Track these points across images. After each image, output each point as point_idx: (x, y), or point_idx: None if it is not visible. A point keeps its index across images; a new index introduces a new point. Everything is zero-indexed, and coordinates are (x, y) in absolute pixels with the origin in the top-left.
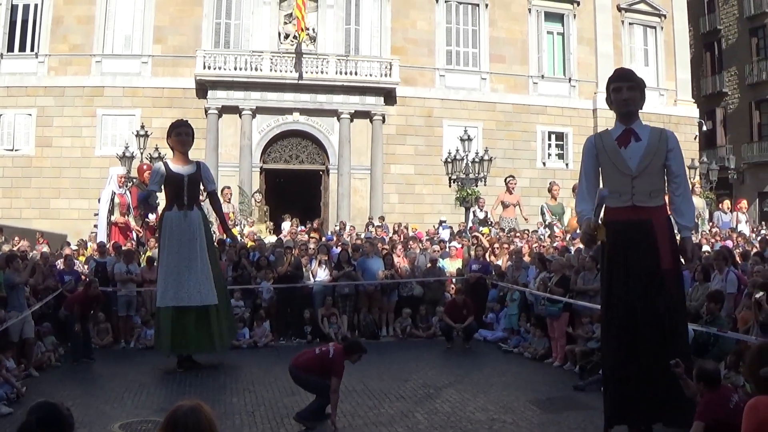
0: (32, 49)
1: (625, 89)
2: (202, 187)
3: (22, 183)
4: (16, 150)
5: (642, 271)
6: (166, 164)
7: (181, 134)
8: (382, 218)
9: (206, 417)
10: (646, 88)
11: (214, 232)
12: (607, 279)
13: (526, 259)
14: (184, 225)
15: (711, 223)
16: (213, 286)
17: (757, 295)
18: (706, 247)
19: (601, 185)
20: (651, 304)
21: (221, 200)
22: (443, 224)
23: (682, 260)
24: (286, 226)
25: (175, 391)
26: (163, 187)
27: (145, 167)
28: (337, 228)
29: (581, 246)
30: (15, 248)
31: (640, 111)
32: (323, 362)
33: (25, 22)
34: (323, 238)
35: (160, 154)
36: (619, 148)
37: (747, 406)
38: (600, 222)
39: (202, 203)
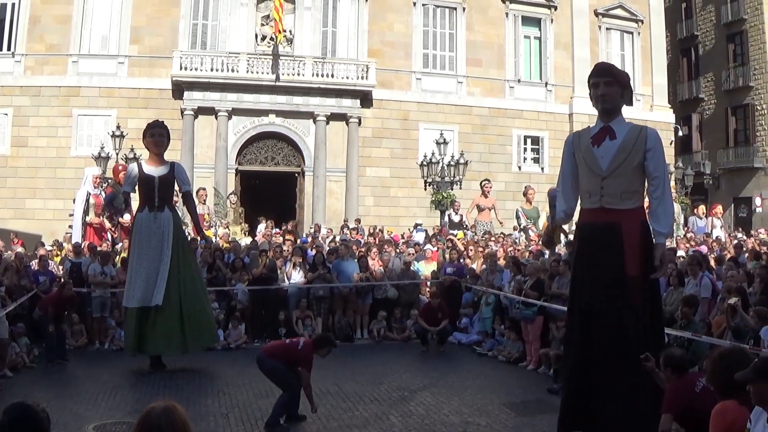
0: (9, 49)
1: (602, 84)
2: (177, 188)
3: None
4: None
5: (606, 278)
6: (139, 165)
7: (155, 135)
8: (358, 221)
9: (180, 418)
10: (629, 82)
11: (189, 234)
12: (572, 284)
13: (501, 262)
14: (153, 226)
15: (686, 228)
16: (169, 286)
17: (731, 301)
18: (680, 252)
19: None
20: (614, 313)
21: (196, 201)
22: (418, 227)
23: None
24: (261, 228)
25: (149, 392)
26: (133, 188)
27: (120, 168)
28: (312, 230)
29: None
30: None
31: (624, 108)
32: (290, 352)
33: (1, 21)
34: (298, 240)
35: (135, 154)
36: (593, 146)
37: (714, 411)
38: (557, 224)
39: (177, 204)
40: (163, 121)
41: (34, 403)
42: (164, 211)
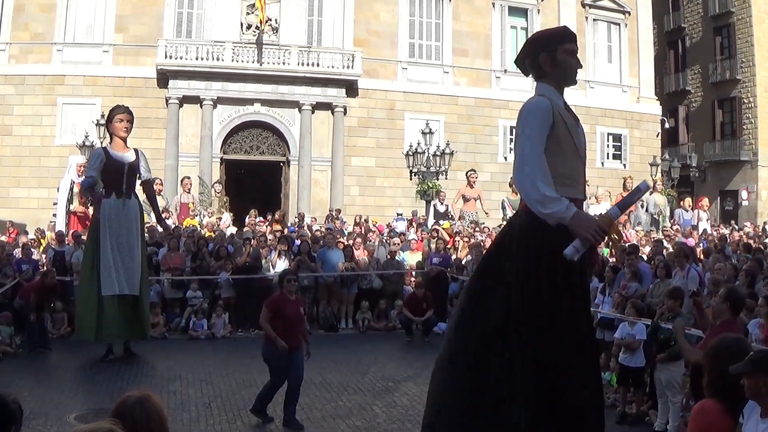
0: None
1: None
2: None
3: None
4: None
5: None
6: (105, 150)
7: (122, 120)
8: (338, 211)
9: (155, 408)
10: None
11: (149, 222)
12: (555, 305)
13: None
14: (122, 213)
15: (672, 221)
16: (140, 276)
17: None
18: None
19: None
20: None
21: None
22: (399, 216)
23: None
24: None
25: (131, 381)
26: (100, 173)
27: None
28: (297, 220)
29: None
30: None
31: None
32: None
33: None
34: (285, 230)
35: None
36: (576, 124)
37: (693, 410)
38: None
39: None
40: (127, 106)
41: (5, 393)
42: (131, 198)
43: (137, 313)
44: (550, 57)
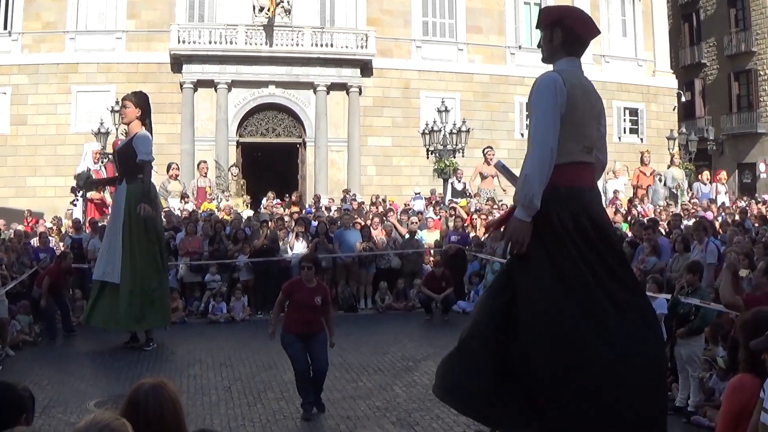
0: (5, 27)
1: None
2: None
3: None
4: None
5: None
6: (115, 141)
7: (122, 108)
8: (347, 191)
9: (169, 395)
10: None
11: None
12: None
13: None
14: (116, 200)
15: (690, 194)
16: (121, 264)
17: (743, 273)
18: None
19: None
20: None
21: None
22: (417, 195)
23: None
24: (265, 202)
25: (150, 367)
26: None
27: (120, 141)
28: (313, 201)
29: None
30: None
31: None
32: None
33: None
34: (303, 211)
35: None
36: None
37: (730, 385)
38: None
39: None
40: (130, 93)
41: (15, 382)
42: (122, 183)
43: (120, 302)
44: (563, 36)
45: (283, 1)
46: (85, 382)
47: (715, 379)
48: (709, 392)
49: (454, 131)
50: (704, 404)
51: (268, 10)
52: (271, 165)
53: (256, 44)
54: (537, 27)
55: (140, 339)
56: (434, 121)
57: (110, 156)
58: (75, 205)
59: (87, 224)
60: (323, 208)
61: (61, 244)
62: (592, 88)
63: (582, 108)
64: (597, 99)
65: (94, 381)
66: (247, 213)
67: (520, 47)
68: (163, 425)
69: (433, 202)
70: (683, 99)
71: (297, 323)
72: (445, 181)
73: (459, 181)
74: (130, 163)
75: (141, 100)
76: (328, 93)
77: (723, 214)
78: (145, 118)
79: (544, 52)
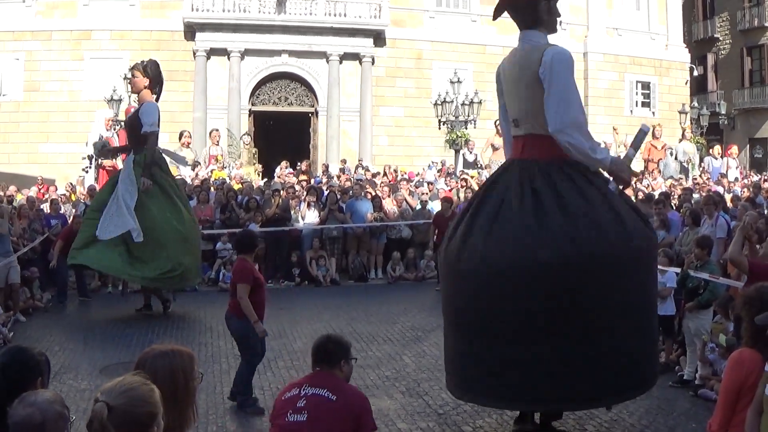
0: None
1: None
2: None
3: (10, 128)
4: (3, 95)
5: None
6: (128, 109)
7: (132, 77)
8: (343, 161)
9: (181, 363)
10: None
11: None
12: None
13: None
14: (124, 168)
15: (701, 168)
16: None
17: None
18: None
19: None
20: None
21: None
22: (431, 165)
23: None
24: (278, 171)
25: (161, 334)
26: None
27: (132, 110)
28: (322, 171)
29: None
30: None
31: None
32: (233, 288)
33: None
34: (312, 180)
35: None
36: None
37: (731, 359)
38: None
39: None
40: (137, 62)
41: (30, 347)
42: (129, 153)
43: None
44: (549, 5)
45: None
46: (95, 348)
47: (714, 354)
48: (708, 363)
49: (467, 102)
50: (711, 377)
51: None
52: (283, 134)
53: (269, 13)
54: None
55: (153, 306)
56: (446, 92)
57: (122, 123)
58: (87, 172)
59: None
60: (335, 177)
61: (73, 210)
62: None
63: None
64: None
65: (105, 348)
66: (259, 182)
67: None
68: (169, 393)
69: (445, 173)
70: (695, 73)
71: (259, 306)
72: (457, 152)
73: (471, 153)
74: (136, 133)
75: (152, 70)
76: (340, 63)
77: (736, 188)
78: (155, 87)
79: (529, 20)
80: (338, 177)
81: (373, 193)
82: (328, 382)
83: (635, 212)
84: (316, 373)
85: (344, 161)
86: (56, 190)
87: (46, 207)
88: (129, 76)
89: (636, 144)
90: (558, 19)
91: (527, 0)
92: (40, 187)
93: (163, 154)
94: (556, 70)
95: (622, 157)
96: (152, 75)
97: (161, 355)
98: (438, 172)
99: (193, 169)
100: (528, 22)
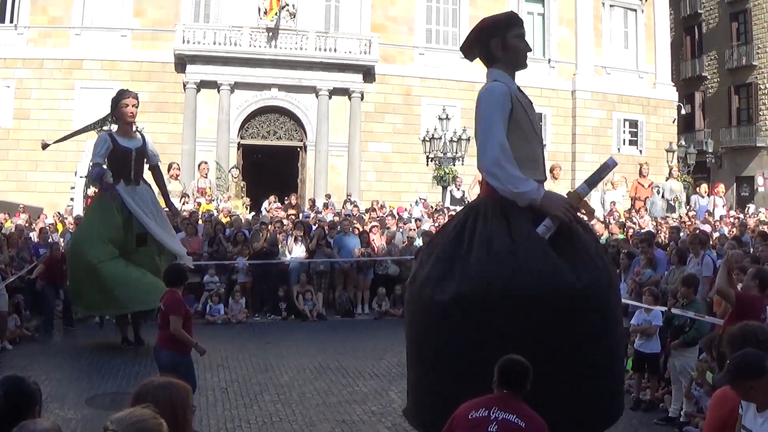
0: (11, 21)
1: (524, 37)
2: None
3: None
4: None
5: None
6: (112, 136)
7: (128, 105)
8: (328, 196)
9: (179, 394)
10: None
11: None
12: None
13: None
14: (137, 200)
15: (688, 207)
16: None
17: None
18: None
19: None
20: None
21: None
22: (418, 201)
23: None
24: (266, 205)
25: (147, 365)
26: (105, 161)
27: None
28: (309, 205)
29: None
30: None
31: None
32: (164, 321)
33: None
34: (300, 215)
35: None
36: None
37: (714, 396)
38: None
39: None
40: (130, 90)
41: (25, 376)
42: (140, 184)
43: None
44: (501, 42)
45: (287, 5)
46: (82, 378)
47: (700, 390)
48: (693, 400)
49: (455, 139)
50: (696, 414)
51: (273, 12)
52: (271, 168)
53: (260, 47)
54: (523, 28)
55: (141, 338)
56: (435, 129)
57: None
58: (74, 201)
59: None
60: (322, 210)
61: (61, 239)
62: None
63: None
64: None
65: (91, 377)
66: (247, 215)
67: None
68: (170, 425)
69: (432, 210)
70: (683, 111)
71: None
72: (444, 188)
73: (458, 189)
74: (142, 164)
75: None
76: (330, 97)
77: (723, 227)
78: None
79: (485, 59)
80: (322, 212)
81: (361, 229)
82: (516, 407)
83: (584, 253)
84: (503, 396)
85: (328, 196)
86: (45, 218)
87: (34, 235)
88: (131, 103)
89: (593, 179)
90: (522, 53)
91: (471, 41)
92: (21, 215)
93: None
94: (479, 108)
95: (569, 191)
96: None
97: (161, 386)
98: (424, 209)
99: (179, 201)
100: (487, 61)
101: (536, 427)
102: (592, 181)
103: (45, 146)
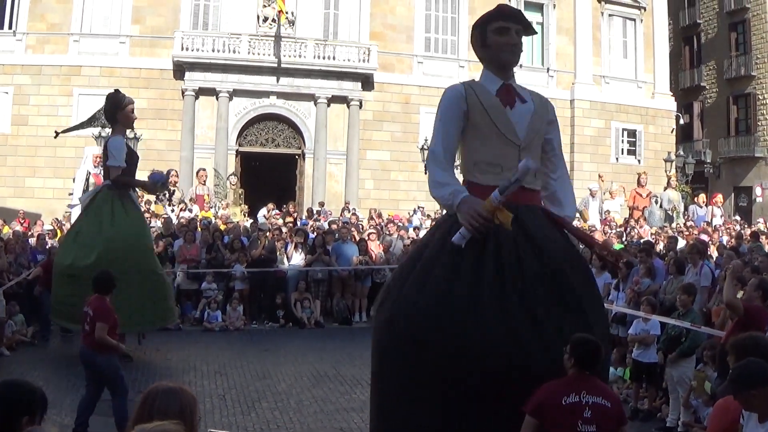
0: (10, 27)
1: (514, 32)
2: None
3: None
4: None
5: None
6: (125, 139)
7: (132, 111)
8: (321, 204)
9: (186, 399)
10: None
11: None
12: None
13: None
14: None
15: (686, 217)
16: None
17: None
18: (681, 242)
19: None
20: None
21: (196, 182)
22: (416, 209)
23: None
24: (263, 212)
25: (145, 372)
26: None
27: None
28: (307, 214)
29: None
30: None
31: (624, 94)
32: (91, 327)
33: None
34: (298, 222)
35: (135, 134)
36: (504, 107)
37: (717, 406)
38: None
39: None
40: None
41: (27, 381)
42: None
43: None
44: (480, 38)
45: (287, 13)
46: (80, 384)
47: (698, 400)
48: (691, 409)
49: None
50: (694, 424)
51: (273, 20)
52: (269, 175)
53: (258, 54)
54: (513, 21)
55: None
56: None
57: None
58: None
59: None
60: (322, 219)
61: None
62: None
63: None
64: None
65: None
66: (246, 223)
67: (521, 66)
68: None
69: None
70: (681, 121)
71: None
72: None
73: None
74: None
75: None
76: (328, 105)
77: (723, 237)
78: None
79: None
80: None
81: (359, 237)
82: (600, 389)
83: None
84: (588, 379)
85: (322, 204)
86: (42, 225)
87: (32, 241)
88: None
89: (504, 186)
90: (502, 47)
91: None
92: (22, 221)
93: None
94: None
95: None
96: None
97: (170, 391)
98: (424, 216)
99: (175, 205)
100: (480, 61)
101: (617, 405)
102: (504, 188)
103: (57, 135)
